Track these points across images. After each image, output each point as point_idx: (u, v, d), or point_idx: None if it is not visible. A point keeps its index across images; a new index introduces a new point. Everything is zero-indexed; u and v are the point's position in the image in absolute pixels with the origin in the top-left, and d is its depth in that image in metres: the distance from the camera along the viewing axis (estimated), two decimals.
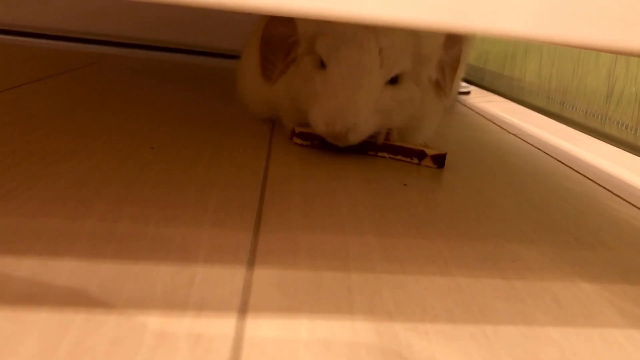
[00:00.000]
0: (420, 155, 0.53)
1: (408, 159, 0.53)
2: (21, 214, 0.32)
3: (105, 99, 0.67)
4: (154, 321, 0.23)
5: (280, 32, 0.54)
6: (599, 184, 0.52)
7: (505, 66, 1.04)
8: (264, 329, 0.24)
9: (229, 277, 0.27)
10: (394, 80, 0.51)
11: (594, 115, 0.75)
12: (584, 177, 0.54)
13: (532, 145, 0.66)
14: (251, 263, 0.29)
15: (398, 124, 0.53)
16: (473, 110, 0.88)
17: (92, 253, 0.28)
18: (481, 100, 1.00)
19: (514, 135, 0.71)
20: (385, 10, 0.22)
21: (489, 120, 0.81)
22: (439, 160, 0.52)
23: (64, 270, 0.26)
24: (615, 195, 0.50)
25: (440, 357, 0.23)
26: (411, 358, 0.23)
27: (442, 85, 0.55)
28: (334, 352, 0.23)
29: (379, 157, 0.53)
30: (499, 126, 0.77)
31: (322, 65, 0.51)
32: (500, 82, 1.06)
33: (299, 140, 0.53)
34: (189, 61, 1.11)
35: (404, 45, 0.51)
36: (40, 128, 0.50)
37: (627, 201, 0.48)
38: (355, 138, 0.49)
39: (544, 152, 0.63)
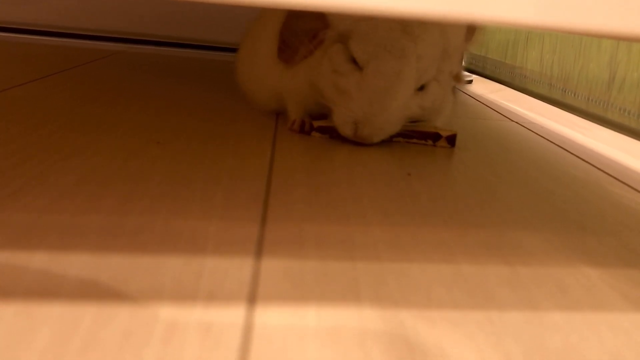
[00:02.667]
0: (435, 137, 0.54)
1: (423, 142, 0.54)
2: (31, 210, 0.32)
3: (111, 95, 0.67)
4: (164, 312, 0.24)
5: (308, 15, 0.53)
6: (601, 170, 0.53)
7: (506, 54, 1.04)
8: (272, 317, 0.24)
9: (237, 268, 0.28)
10: (421, 87, 0.51)
11: (596, 102, 0.75)
12: (586, 164, 0.54)
13: (535, 133, 0.66)
14: (259, 254, 0.29)
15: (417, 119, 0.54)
16: (475, 99, 0.88)
17: (103, 247, 0.29)
18: (483, 88, 1.00)
19: (517, 122, 0.71)
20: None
21: (491, 108, 0.81)
22: (452, 140, 0.54)
23: (75, 264, 0.27)
24: (618, 180, 0.50)
25: (447, 343, 0.24)
26: (418, 344, 0.23)
27: (460, 77, 0.56)
28: (342, 340, 0.23)
29: (395, 142, 0.54)
30: (501, 114, 0.77)
31: (355, 62, 0.50)
32: (502, 71, 1.06)
33: (317, 134, 0.54)
34: (191, 55, 1.11)
35: (436, 50, 0.50)
36: (47, 125, 0.50)
37: (630, 186, 0.48)
38: (377, 139, 0.51)
39: (547, 139, 0.63)
